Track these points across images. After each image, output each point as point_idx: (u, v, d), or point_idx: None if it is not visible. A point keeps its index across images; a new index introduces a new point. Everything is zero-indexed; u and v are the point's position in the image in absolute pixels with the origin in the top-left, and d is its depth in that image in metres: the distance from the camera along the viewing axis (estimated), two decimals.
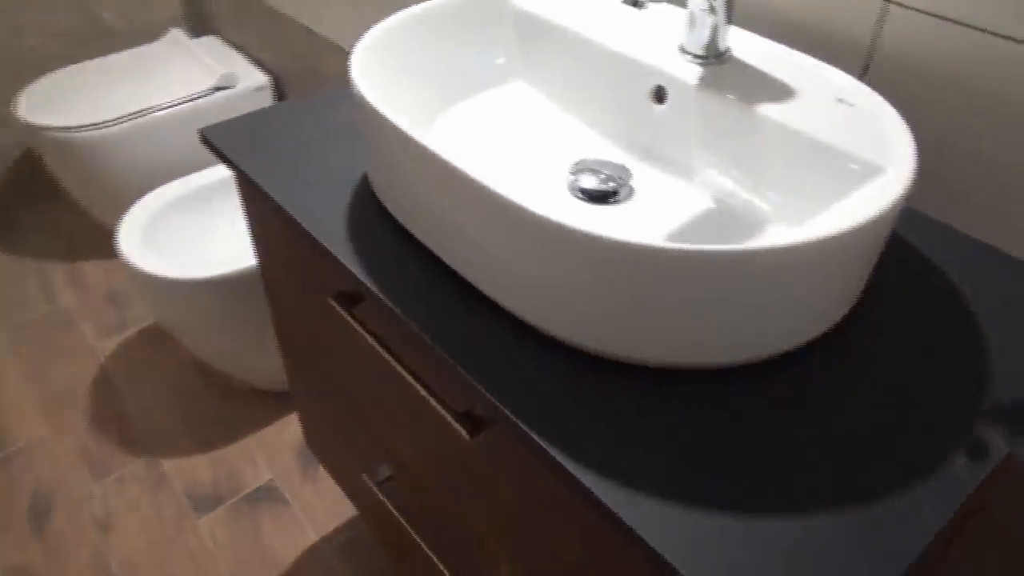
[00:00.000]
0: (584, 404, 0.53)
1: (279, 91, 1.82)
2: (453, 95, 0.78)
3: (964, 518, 0.49)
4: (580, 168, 0.70)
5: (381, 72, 0.70)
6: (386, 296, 0.61)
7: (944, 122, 0.66)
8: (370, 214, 0.70)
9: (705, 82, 0.67)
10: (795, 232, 0.48)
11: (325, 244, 0.66)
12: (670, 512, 0.46)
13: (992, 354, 0.56)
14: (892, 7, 0.65)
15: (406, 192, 0.64)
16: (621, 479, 0.48)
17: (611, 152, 0.72)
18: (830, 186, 0.59)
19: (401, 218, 0.67)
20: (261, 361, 1.44)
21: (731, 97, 0.65)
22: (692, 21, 0.68)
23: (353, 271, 0.64)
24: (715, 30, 0.67)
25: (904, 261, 0.65)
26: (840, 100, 0.63)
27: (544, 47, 0.78)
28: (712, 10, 0.66)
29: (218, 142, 0.80)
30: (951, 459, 0.49)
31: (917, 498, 0.46)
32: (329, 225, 0.68)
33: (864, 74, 0.69)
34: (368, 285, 0.62)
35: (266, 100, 1.79)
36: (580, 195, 0.68)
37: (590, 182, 0.68)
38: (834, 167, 0.59)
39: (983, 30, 0.60)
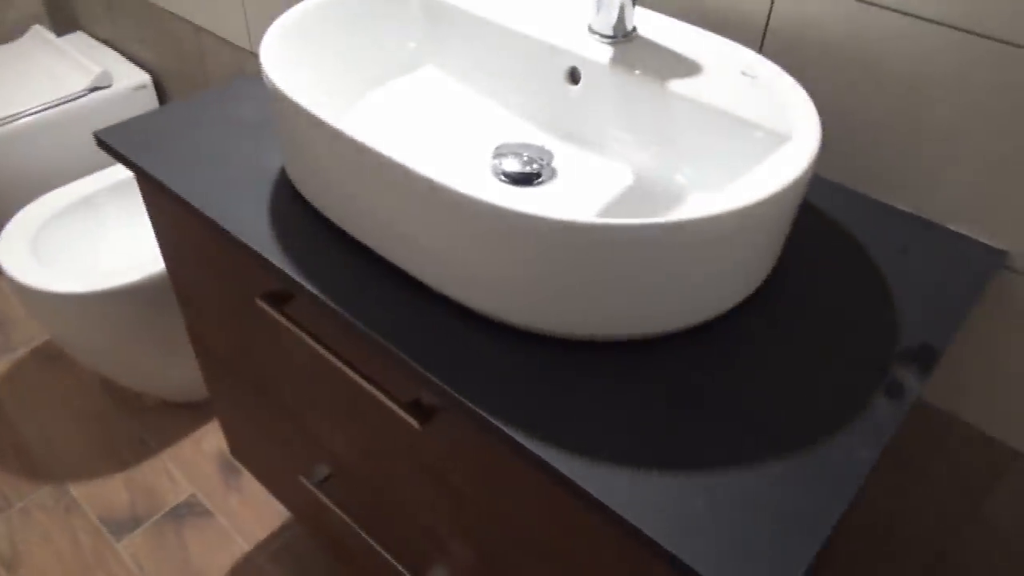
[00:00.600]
0: (531, 381, 0.54)
1: (160, 89, 1.73)
2: (365, 83, 0.77)
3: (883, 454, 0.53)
4: (502, 152, 0.71)
5: (291, 62, 0.69)
6: (321, 292, 0.60)
7: (834, 89, 0.70)
8: (291, 208, 0.68)
9: (616, 61, 0.69)
10: (715, 202, 0.51)
11: (250, 244, 0.64)
12: (628, 476, 0.48)
13: (896, 303, 0.61)
14: None
15: (327, 181, 0.63)
16: (577, 450, 0.49)
17: (531, 134, 0.73)
18: (741, 156, 0.62)
19: (325, 209, 0.66)
20: (172, 372, 1.38)
21: (642, 74, 0.67)
22: (599, 2, 0.70)
23: (283, 269, 0.62)
24: (622, 10, 0.69)
25: (811, 223, 0.69)
26: (743, 73, 0.66)
27: (454, 31, 0.78)
28: None
29: (118, 145, 0.76)
30: (873, 400, 0.53)
31: (850, 438, 0.50)
32: (251, 224, 0.66)
33: (760, 49, 0.73)
34: (300, 282, 0.61)
35: (148, 99, 1.70)
36: (504, 178, 0.69)
37: (513, 165, 0.69)
38: (743, 137, 0.62)
39: (867, 3, 0.65)
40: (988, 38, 0.60)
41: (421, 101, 0.77)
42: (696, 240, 0.51)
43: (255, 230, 0.66)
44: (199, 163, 0.74)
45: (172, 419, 1.48)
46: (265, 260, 0.64)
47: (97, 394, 1.52)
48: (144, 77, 1.68)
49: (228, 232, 0.66)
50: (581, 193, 0.67)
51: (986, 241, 0.67)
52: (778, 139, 0.60)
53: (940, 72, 0.64)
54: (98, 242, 1.38)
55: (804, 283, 0.63)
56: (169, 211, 0.81)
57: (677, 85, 0.66)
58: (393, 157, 0.54)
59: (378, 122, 0.74)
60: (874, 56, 0.67)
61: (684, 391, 0.54)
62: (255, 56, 1.35)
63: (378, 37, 0.78)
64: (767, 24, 0.72)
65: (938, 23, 0.62)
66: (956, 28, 0.61)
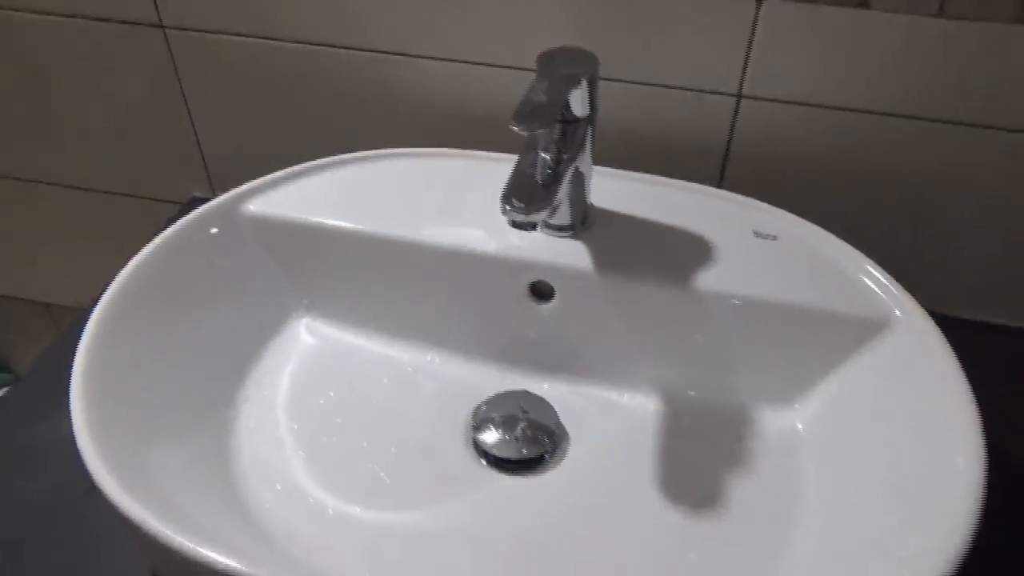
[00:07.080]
0: None
1: None
2: (229, 383, 0.50)
3: None
4: (483, 421, 0.49)
5: (124, 421, 0.41)
6: None
7: (808, 203, 0.58)
8: None
9: (591, 258, 0.50)
10: None
11: None
12: None
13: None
14: (743, 101, 0.55)
15: None
16: None
17: (511, 382, 0.52)
18: (807, 349, 0.47)
19: None
20: None
21: (632, 269, 0.49)
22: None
23: None
24: (582, 186, 0.50)
25: None
26: (757, 234, 0.51)
27: (328, 266, 0.54)
28: (562, 164, 0.48)
29: None
30: None
31: None
32: None
33: (720, 182, 0.59)
34: None
35: None
36: (502, 465, 0.48)
37: (503, 442, 0.48)
38: (807, 328, 0.47)
39: (831, 107, 0.53)
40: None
41: (320, 379, 0.52)
42: None
43: None
44: None
45: None
46: None
47: None
48: None
49: None
50: (615, 464, 0.47)
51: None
52: (865, 327, 0.46)
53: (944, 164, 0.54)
54: None
55: None
56: None
57: (684, 273, 0.49)
58: None
59: (284, 455, 0.48)
60: (841, 162, 0.55)
61: None
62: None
63: (219, 310, 0.51)
64: (728, 151, 0.57)
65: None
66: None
